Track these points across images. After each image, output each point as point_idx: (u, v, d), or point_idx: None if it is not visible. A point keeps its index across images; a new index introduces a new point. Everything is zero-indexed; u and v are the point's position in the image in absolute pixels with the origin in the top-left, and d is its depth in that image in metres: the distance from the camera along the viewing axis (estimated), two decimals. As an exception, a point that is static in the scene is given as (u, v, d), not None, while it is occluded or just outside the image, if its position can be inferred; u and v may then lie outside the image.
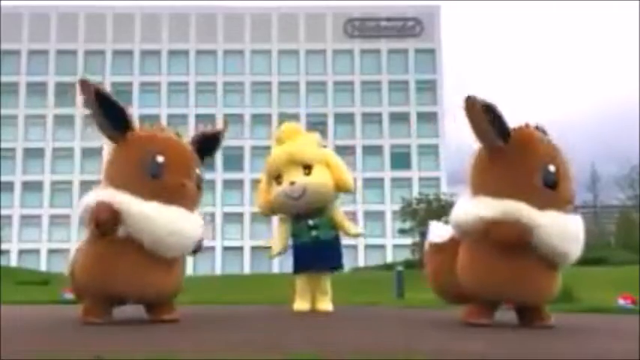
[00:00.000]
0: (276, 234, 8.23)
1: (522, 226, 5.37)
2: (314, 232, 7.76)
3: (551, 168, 5.52)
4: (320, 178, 7.65)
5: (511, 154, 5.55)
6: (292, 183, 7.57)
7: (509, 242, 5.39)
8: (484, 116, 5.40)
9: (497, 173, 5.62)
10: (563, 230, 5.46)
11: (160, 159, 5.53)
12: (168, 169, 5.56)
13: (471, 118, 5.43)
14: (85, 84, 5.53)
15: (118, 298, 5.62)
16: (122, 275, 5.38)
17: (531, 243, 5.40)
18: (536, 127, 5.74)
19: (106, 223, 5.27)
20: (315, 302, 7.90)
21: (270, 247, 8.28)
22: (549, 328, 5.53)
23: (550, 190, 5.50)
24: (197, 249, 5.85)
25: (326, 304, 7.85)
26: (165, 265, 5.49)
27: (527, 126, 5.73)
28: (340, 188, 7.91)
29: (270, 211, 8.13)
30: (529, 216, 5.41)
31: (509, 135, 5.56)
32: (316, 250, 7.73)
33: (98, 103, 5.53)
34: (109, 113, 5.60)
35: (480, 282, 5.61)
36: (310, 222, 7.75)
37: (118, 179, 5.60)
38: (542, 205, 5.46)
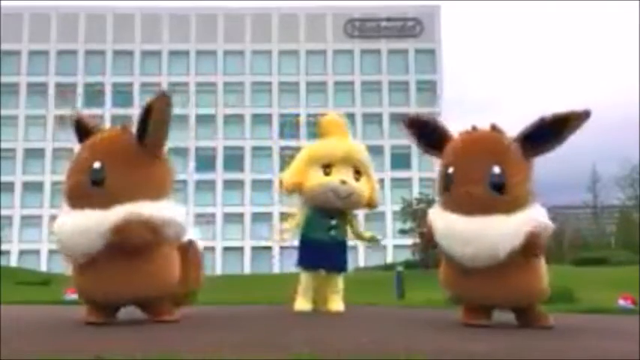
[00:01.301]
0: (296, 214, 8.02)
1: (429, 231, 5.75)
2: (333, 232, 7.77)
3: (449, 170, 5.63)
4: (364, 190, 7.78)
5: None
6: (344, 182, 7.58)
7: (425, 245, 6.05)
8: (409, 129, 6.05)
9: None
10: (446, 231, 5.51)
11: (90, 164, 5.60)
12: (68, 173, 5.76)
13: (411, 138, 6.10)
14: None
15: (105, 303, 5.61)
16: (102, 281, 5.41)
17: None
18: (492, 127, 5.73)
19: None
20: (325, 302, 7.86)
21: (269, 247, 8.28)
22: (549, 329, 5.52)
23: (447, 192, 5.65)
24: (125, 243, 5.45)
25: (337, 304, 7.81)
26: (135, 266, 5.39)
27: (473, 129, 5.81)
28: (370, 205, 8.07)
29: (297, 191, 7.96)
30: (434, 221, 5.70)
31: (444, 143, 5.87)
32: (330, 249, 7.74)
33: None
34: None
35: (448, 288, 5.95)
36: (333, 222, 7.76)
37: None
38: (447, 209, 5.63)
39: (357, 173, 7.76)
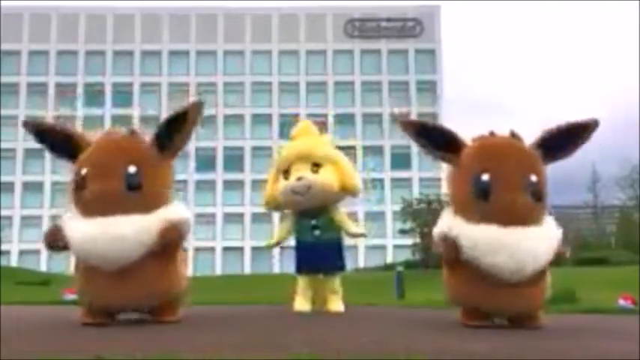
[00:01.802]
0: (278, 227, 8.30)
1: (450, 243, 5.39)
2: (316, 232, 7.74)
3: (484, 177, 5.32)
4: (326, 178, 7.63)
5: (454, 167, 5.66)
6: (299, 178, 7.57)
7: (445, 260, 5.51)
8: (418, 136, 5.72)
9: (450, 187, 5.78)
10: (490, 245, 5.21)
11: (83, 171, 5.49)
12: (90, 179, 5.45)
13: (412, 139, 5.79)
14: (26, 124, 5.83)
15: (121, 308, 5.63)
16: (98, 288, 5.39)
17: (465, 259, 5.34)
18: (512, 134, 5.62)
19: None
20: (325, 303, 7.86)
21: (265, 245, 8.32)
22: (539, 328, 5.51)
23: (483, 201, 5.30)
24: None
25: (336, 305, 7.79)
26: (129, 273, 5.32)
27: (491, 134, 5.69)
28: (347, 190, 7.90)
29: (275, 205, 8.12)
30: (458, 232, 5.38)
31: (459, 148, 5.61)
32: (318, 250, 7.71)
33: (44, 141, 5.81)
34: (59, 142, 5.79)
35: (454, 298, 5.79)
36: (313, 222, 7.74)
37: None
38: (476, 218, 5.32)
39: (317, 166, 7.65)
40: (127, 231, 5.23)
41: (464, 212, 5.47)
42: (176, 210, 5.63)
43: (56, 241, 5.51)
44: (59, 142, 5.78)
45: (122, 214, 5.27)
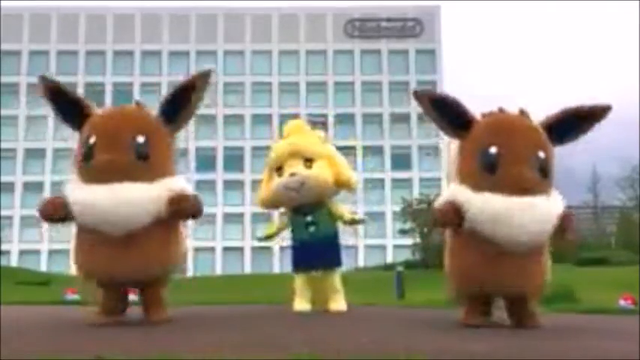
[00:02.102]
0: (274, 223, 8.31)
1: (452, 207, 5.39)
2: (311, 229, 7.72)
3: (492, 150, 5.36)
4: (320, 173, 7.62)
5: (463, 141, 5.65)
6: (292, 174, 7.56)
7: (443, 224, 5.56)
8: (432, 108, 5.64)
9: (457, 161, 5.74)
10: (496, 212, 5.21)
11: (92, 140, 5.46)
12: (98, 148, 5.42)
13: (424, 111, 5.70)
14: (41, 80, 5.76)
15: (125, 281, 5.59)
16: (100, 258, 5.36)
17: (468, 227, 5.35)
18: (521, 112, 5.64)
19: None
20: (327, 302, 7.83)
21: (269, 247, 8.32)
22: (538, 328, 5.51)
23: (489, 173, 5.33)
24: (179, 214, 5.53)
25: (338, 304, 7.75)
26: (123, 244, 5.29)
27: (501, 111, 5.70)
28: (341, 185, 7.87)
29: (270, 204, 8.10)
30: (462, 198, 5.38)
31: (469, 123, 5.61)
32: (314, 247, 7.68)
33: (53, 101, 5.74)
34: (67, 107, 5.73)
35: (455, 275, 5.71)
36: (308, 218, 7.72)
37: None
38: (484, 190, 5.31)
39: (309, 162, 7.63)
40: (135, 195, 5.26)
41: (471, 184, 5.46)
42: (179, 181, 5.66)
43: (57, 211, 5.43)
44: (69, 107, 5.75)
45: (129, 182, 5.30)
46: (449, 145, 6.04)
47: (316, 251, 7.67)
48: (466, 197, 5.39)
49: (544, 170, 5.38)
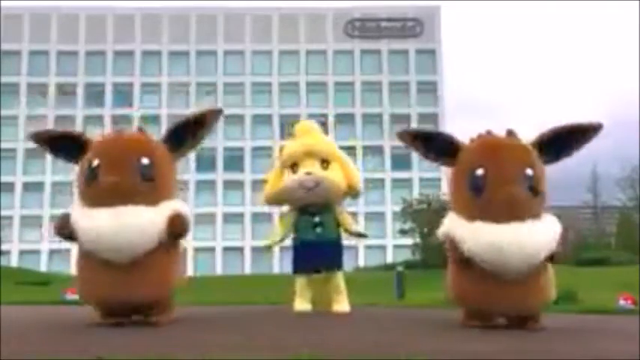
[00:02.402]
0: (278, 225, 8.23)
1: (451, 245, 5.48)
2: (318, 230, 7.73)
3: (479, 172, 5.36)
4: (335, 176, 7.72)
5: (453, 168, 5.73)
6: (309, 173, 7.59)
7: (454, 260, 5.55)
8: (417, 144, 5.88)
9: (450, 188, 5.87)
10: (488, 243, 5.23)
11: (95, 162, 5.49)
12: (103, 170, 5.44)
13: (411, 148, 5.97)
14: (36, 136, 5.92)
15: (107, 307, 5.60)
16: (101, 285, 5.36)
17: (468, 257, 5.37)
18: (509, 132, 5.65)
19: None
20: (330, 303, 7.82)
21: (267, 244, 8.27)
22: (539, 329, 5.50)
23: (478, 195, 5.34)
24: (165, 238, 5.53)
25: (342, 305, 7.76)
26: (124, 269, 5.31)
27: (488, 133, 5.72)
28: (350, 190, 7.97)
29: (276, 200, 8.09)
30: (457, 233, 5.45)
31: (456, 150, 5.68)
32: (318, 248, 7.69)
33: (51, 146, 5.91)
34: (64, 145, 5.85)
35: (456, 298, 5.78)
36: (316, 219, 7.73)
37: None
38: (473, 215, 5.35)
39: (325, 163, 7.72)
40: (139, 222, 5.27)
41: (463, 211, 5.50)
42: (180, 204, 5.74)
43: (63, 228, 5.49)
44: (66, 145, 5.84)
45: (132, 205, 5.31)
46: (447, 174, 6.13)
47: (320, 252, 7.69)
48: (460, 232, 5.44)
49: (534, 188, 5.35)
